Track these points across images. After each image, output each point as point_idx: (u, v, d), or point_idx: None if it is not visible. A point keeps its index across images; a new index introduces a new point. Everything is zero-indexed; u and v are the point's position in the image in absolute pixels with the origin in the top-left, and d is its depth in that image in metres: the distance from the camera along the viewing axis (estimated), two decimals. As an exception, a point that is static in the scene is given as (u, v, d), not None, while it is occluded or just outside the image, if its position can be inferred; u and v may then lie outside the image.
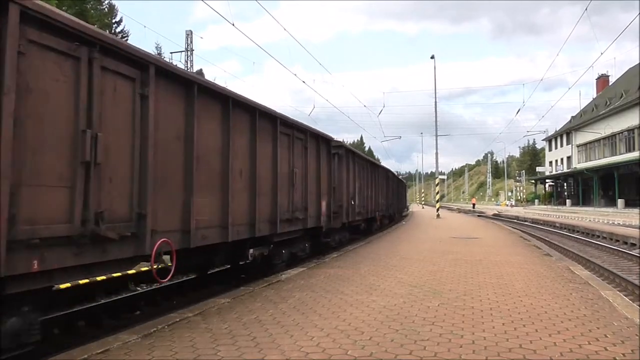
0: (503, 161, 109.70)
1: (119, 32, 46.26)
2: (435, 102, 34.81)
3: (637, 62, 51.57)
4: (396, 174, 38.69)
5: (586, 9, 17.74)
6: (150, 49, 50.90)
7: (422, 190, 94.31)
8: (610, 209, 38.30)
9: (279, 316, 5.38)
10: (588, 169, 48.53)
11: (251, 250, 7.86)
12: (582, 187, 52.75)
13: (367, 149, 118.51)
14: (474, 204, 68.18)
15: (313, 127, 10.98)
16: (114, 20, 47.33)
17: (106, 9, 47.09)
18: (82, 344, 4.63)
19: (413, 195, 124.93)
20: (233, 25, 13.84)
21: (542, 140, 76.76)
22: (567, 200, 57.46)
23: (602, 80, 65.50)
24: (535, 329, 4.80)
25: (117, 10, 48.13)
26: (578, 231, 23.10)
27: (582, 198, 52.17)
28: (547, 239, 19.78)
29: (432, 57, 34.00)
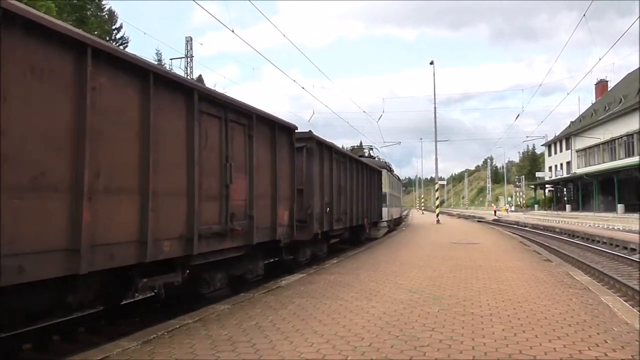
0: (503, 166, 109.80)
1: (119, 39, 46.46)
2: (435, 108, 34.76)
3: (636, 67, 51.82)
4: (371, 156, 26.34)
5: (584, 15, 17.83)
6: (150, 56, 51.09)
7: (422, 196, 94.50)
8: (610, 214, 38.29)
9: (279, 322, 5.38)
10: (588, 174, 48.56)
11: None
12: (582, 192, 52.78)
13: (367, 154, 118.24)
14: (495, 211, 58.63)
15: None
16: (114, 27, 47.54)
17: (106, 15, 47.29)
18: (82, 351, 4.63)
19: (413, 201, 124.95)
20: (232, 31, 13.92)
21: (542, 145, 76.99)
22: (567, 206, 57.45)
23: (601, 85, 65.64)
24: (535, 335, 4.80)
25: (117, 17, 48.37)
26: (578, 236, 23.08)
27: (582, 203, 52.18)
28: (546, 244, 19.77)
29: (431, 63, 34.12)
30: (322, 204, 10.89)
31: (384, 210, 21.39)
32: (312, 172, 10.32)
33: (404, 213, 69.07)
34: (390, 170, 26.82)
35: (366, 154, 25.39)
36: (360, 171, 15.95)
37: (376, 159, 25.42)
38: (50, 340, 5.97)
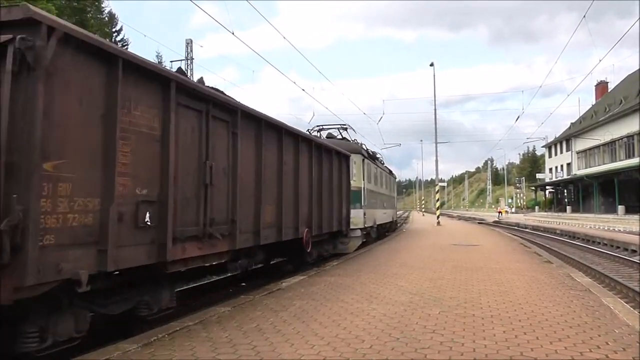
0: (503, 168, 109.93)
1: (119, 41, 46.53)
2: (435, 110, 34.72)
3: (636, 69, 51.85)
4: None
5: (584, 17, 17.82)
6: (151, 58, 51.13)
7: (423, 198, 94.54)
8: (610, 216, 38.27)
9: (280, 325, 5.37)
10: (588, 176, 48.58)
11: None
12: (582, 193, 52.78)
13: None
14: (500, 212, 54.86)
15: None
16: (114, 29, 47.64)
17: (106, 18, 47.39)
18: (81, 353, 4.62)
19: (414, 203, 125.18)
20: (233, 34, 13.92)
21: (542, 146, 77.00)
22: (568, 207, 57.43)
23: (601, 86, 65.69)
24: (536, 337, 4.79)
25: (117, 20, 48.47)
26: (578, 238, 23.07)
27: (583, 204, 52.16)
28: (547, 245, 19.76)
29: (432, 65, 34.12)
30: (117, 200, 4.64)
31: (357, 213, 15.15)
32: (34, 117, 3.78)
33: (404, 215, 68.36)
34: (371, 157, 18.90)
35: (337, 135, 17.86)
36: (293, 147, 9.40)
37: (353, 142, 17.98)
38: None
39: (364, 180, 16.19)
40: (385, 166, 25.00)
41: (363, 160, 16.35)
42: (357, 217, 15.15)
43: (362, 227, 15.68)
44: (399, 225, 33.68)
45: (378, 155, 23.32)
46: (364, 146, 18.42)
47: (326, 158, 11.70)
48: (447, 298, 6.79)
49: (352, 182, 14.77)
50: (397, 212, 38.45)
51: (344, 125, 18.70)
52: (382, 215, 21.19)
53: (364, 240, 16.51)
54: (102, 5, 46.21)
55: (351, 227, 14.31)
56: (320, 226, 11.08)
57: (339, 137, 17.75)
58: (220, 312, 6.05)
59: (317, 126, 18.23)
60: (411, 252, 13.89)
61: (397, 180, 32.27)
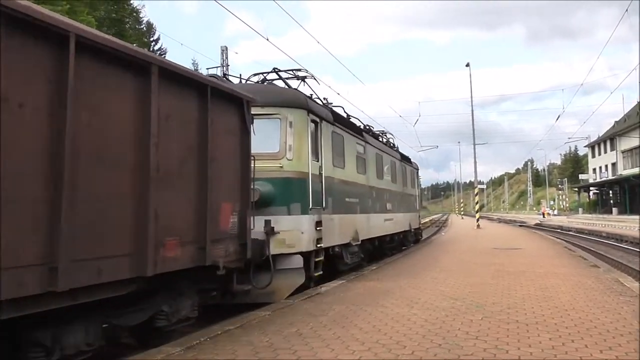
0: (544, 169, 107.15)
1: (157, 50, 47.73)
2: (472, 110, 34.09)
3: (685, 64, 49.65)
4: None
5: (626, 10, 17.21)
6: (188, 64, 52.20)
7: (462, 200, 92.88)
8: (660, 217, 36.67)
9: (320, 329, 5.36)
10: (635, 176, 46.72)
11: None
12: (629, 194, 50.79)
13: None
14: (544, 214, 54.51)
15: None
16: (152, 39, 48.89)
17: (144, 27, 48.70)
18: (126, 356, 4.74)
19: (452, 205, 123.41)
20: (267, 40, 14.05)
21: (585, 146, 74.67)
22: (613, 209, 55.35)
23: (647, 83, 63.13)
24: (584, 345, 4.62)
25: (155, 29, 49.70)
26: (626, 241, 22.20)
27: (630, 206, 50.19)
28: (593, 249, 19.10)
29: (467, 65, 33.64)
30: None
31: (294, 223, 7.93)
32: None
33: (443, 218, 66.77)
34: (343, 123, 10.96)
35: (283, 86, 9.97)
36: None
37: (325, 103, 10.94)
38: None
39: (316, 159, 8.88)
40: (397, 150, 17.65)
41: (317, 124, 9.04)
42: (293, 229, 7.94)
43: (311, 249, 8.28)
44: (432, 232, 30.94)
45: (389, 136, 16.96)
46: (329, 103, 11.39)
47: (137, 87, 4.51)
48: (489, 303, 6.65)
49: (287, 162, 8.10)
50: (435, 216, 35.87)
51: (301, 72, 10.68)
52: (380, 225, 13.47)
53: (320, 272, 8.76)
54: (141, 16, 47.50)
55: (277, 250, 7.54)
56: (99, 269, 3.98)
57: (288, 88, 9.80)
58: (260, 316, 6.10)
59: (255, 74, 10.29)
60: (451, 256, 13.67)
61: (418, 171, 22.63)
